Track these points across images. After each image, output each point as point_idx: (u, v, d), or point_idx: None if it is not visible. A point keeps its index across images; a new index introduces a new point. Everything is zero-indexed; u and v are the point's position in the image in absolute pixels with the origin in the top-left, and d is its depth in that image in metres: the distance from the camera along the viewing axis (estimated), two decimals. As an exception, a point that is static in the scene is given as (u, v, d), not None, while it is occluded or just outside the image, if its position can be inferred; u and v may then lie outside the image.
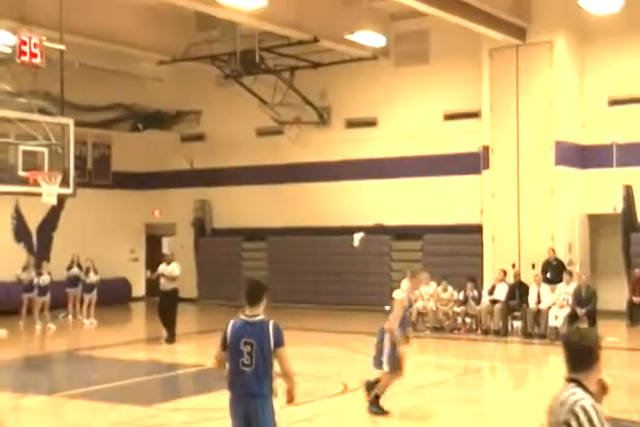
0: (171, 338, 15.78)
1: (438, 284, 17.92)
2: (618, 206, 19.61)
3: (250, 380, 5.53)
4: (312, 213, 23.80)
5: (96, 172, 25.60)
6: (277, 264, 24.16)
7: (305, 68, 22.95)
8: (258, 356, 5.53)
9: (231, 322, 5.69)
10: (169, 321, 15.80)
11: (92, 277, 19.77)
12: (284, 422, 8.97)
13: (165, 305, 15.86)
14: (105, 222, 25.14)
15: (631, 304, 18.04)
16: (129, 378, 12.14)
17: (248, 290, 5.76)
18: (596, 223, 20.62)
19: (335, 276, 22.89)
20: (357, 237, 22.66)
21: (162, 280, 15.89)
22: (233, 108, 24.90)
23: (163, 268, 15.99)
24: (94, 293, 19.75)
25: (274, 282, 24.10)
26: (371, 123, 23.44)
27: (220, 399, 10.59)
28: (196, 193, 25.90)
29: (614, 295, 18.75)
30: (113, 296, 23.11)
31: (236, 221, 25.15)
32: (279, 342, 5.59)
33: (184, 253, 25.23)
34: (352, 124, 23.75)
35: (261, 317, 5.67)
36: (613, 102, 20.27)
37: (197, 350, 16.19)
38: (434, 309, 17.62)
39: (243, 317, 5.67)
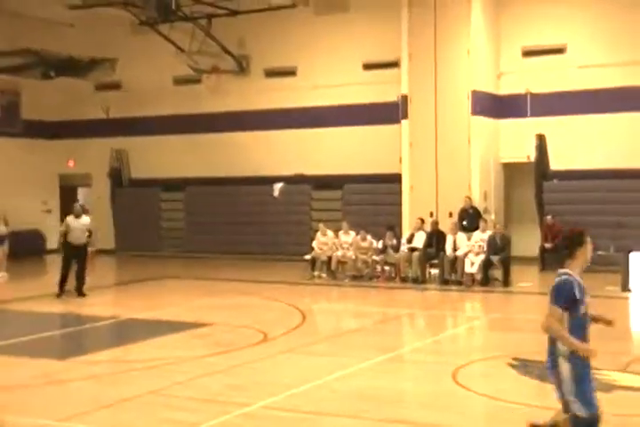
0: (80, 290, 15.45)
1: (357, 233, 18.09)
2: (531, 155, 20.04)
3: None
4: (231, 163, 23.59)
5: (4, 120, 24.68)
6: (196, 215, 23.99)
7: (223, 16, 22.46)
8: None
9: (569, 279, 5.39)
10: (80, 275, 15.51)
11: (2, 229, 19.12)
12: (201, 371, 9.05)
13: (78, 258, 15.52)
14: (16, 173, 24.40)
15: (543, 250, 18.58)
16: (44, 331, 11.94)
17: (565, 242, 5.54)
18: (511, 172, 21.05)
19: (255, 226, 22.86)
20: (277, 187, 22.63)
21: (75, 233, 15.51)
22: (150, 57, 24.28)
23: (71, 220, 15.61)
24: (5, 245, 19.18)
25: (192, 233, 24.09)
26: (290, 72, 23.20)
27: (135, 352, 10.67)
28: (113, 143, 25.31)
29: (527, 242, 19.29)
30: (26, 249, 22.55)
31: (154, 172, 24.75)
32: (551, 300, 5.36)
33: (100, 204, 24.80)
34: (271, 73, 23.46)
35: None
36: (528, 53, 20.53)
37: (114, 302, 16.03)
38: (353, 257, 17.81)
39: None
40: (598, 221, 17.94)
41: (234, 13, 22.22)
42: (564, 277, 5.38)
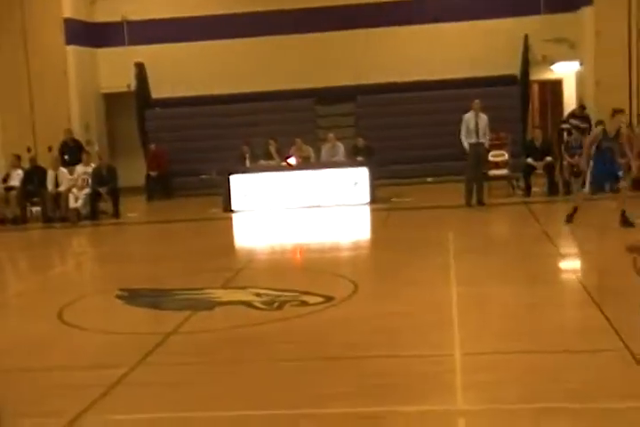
0: None
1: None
2: (132, 84, 19.62)
3: None
4: None
5: None
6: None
7: None
8: None
9: None
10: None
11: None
12: None
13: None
14: None
15: (149, 179, 18.45)
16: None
17: None
18: (113, 102, 20.47)
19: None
20: None
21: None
22: None
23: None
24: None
25: None
26: None
27: None
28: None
29: (134, 172, 19.01)
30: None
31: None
32: None
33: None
34: None
35: None
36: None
37: None
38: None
39: None
40: (201, 147, 18.25)
41: None
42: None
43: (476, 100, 14.32)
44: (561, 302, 7.83)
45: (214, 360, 6.26)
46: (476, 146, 14.29)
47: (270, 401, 5.29)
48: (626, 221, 10.98)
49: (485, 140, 14.49)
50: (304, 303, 7.86)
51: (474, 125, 14.22)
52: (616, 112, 11.57)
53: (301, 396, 5.37)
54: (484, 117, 14.29)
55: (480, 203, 14.22)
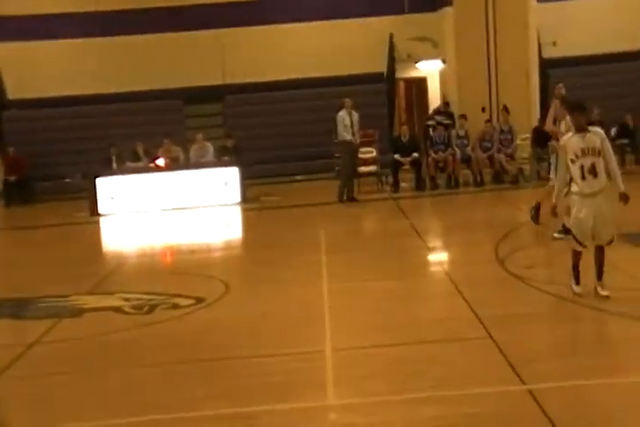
0: None
1: None
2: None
3: None
4: None
5: None
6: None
7: None
8: None
9: None
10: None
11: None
12: None
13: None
14: None
15: (7, 184, 17.71)
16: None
17: None
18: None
19: None
20: None
21: None
22: None
23: None
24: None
25: None
26: None
27: None
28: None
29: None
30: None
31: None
32: None
33: None
34: None
35: None
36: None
37: None
38: None
39: None
40: (64, 149, 17.67)
41: None
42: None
43: (347, 99, 14.51)
44: (428, 294, 8.00)
45: (80, 369, 6.04)
46: (351, 143, 14.49)
47: (140, 408, 5.14)
48: (535, 217, 9.97)
49: (358, 138, 14.71)
50: (175, 306, 7.72)
51: (349, 122, 14.42)
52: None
53: (173, 400, 5.25)
54: (356, 115, 14.51)
55: (352, 199, 14.39)
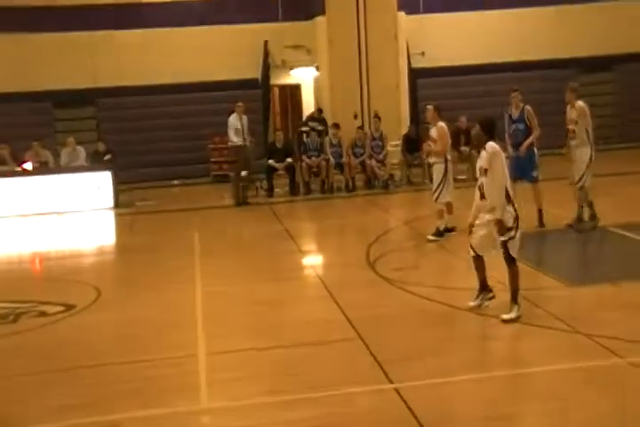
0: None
1: None
2: None
3: None
4: None
5: None
6: None
7: None
8: None
9: None
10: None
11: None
12: None
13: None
14: None
15: None
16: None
17: None
18: None
19: None
20: None
21: None
22: None
23: None
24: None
25: None
26: None
27: None
28: None
29: None
30: None
31: None
32: None
33: None
34: None
35: None
36: None
37: None
38: None
39: None
40: None
41: None
42: None
43: (240, 103, 14.63)
44: (301, 297, 8.12)
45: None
46: (243, 147, 14.57)
47: (4, 419, 5.02)
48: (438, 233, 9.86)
49: (248, 142, 14.80)
50: (43, 314, 7.53)
51: (240, 127, 14.49)
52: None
53: (39, 410, 5.15)
54: (246, 119, 14.62)
55: (245, 203, 14.57)
